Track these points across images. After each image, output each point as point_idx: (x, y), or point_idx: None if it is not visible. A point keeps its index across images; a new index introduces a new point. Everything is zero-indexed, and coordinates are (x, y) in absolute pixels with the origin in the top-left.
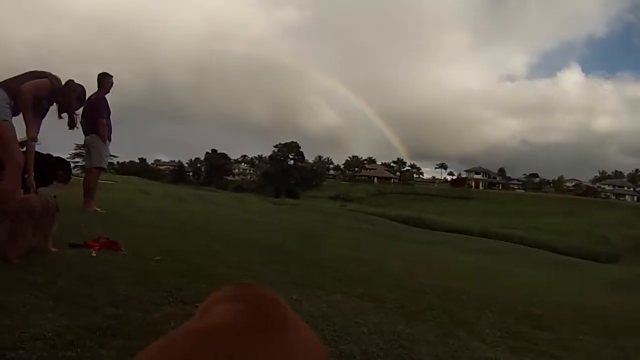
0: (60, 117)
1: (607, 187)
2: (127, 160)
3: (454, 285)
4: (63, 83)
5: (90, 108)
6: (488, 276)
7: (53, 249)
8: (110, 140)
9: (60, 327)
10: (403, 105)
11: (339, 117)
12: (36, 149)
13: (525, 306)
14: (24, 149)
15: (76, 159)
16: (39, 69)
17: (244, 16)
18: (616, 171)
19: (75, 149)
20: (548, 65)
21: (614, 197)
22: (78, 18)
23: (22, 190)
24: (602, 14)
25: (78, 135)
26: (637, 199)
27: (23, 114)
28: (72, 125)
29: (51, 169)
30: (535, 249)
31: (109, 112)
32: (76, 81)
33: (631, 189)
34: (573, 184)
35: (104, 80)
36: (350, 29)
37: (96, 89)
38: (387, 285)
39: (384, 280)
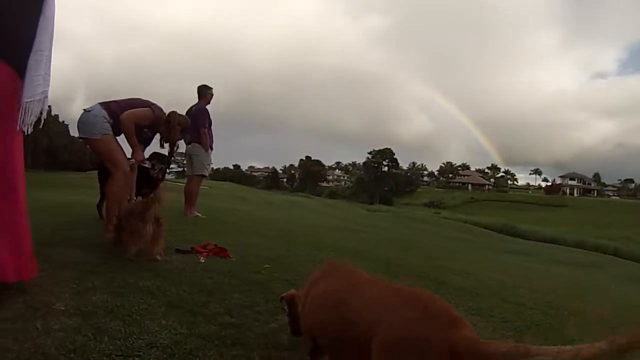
0: (162, 146)
1: None
2: (222, 166)
3: (554, 300)
4: (167, 114)
5: (191, 118)
6: (584, 290)
7: (158, 257)
8: (212, 149)
9: (177, 334)
10: (495, 110)
11: (432, 123)
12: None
13: (622, 324)
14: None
15: (172, 166)
16: (139, 96)
17: (331, 27)
18: None
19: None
20: (638, 59)
21: None
22: (168, 34)
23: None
24: None
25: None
26: None
27: (127, 139)
28: (171, 154)
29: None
30: (630, 261)
31: (210, 122)
32: (173, 100)
33: None
34: None
35: (205, 92)
36: (438, 34)
37: (195, 100)
38: (491, 298)
39: (487, 293)
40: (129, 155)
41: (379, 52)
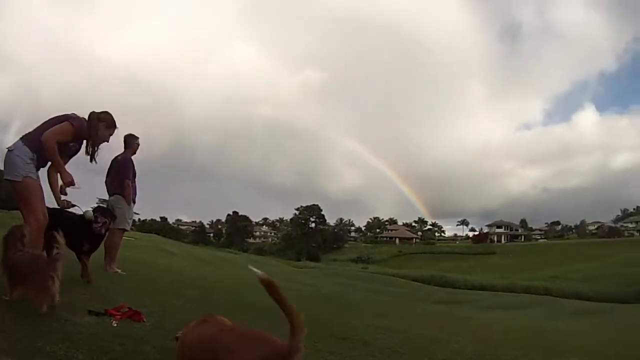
0: (87, 152)
1: (630, 225)
2: (149, 218)
3: (486, 351)
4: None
5: (116, 168)
6: (518, 335)
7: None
8: (134, 202)
9: None
10: (423, 163)
11: (360, 178)
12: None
13: None
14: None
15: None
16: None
17: (267, 79)
18: (638, 207)
19: (98, 202)
20: (563, 108)
21: (637, 234)
22: (110, 70)
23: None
24: (610, 48)
25: (101, 189)
26: None
27: (51, 162)
28: (92, 156)
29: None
30: (562, 299)
31: (134, 174)
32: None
33: None
34: (595, 227)
35: (131, 142)
36: (370, 89)
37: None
38: (418, 357)
39: (414, 352)
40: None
41: (312, 106)
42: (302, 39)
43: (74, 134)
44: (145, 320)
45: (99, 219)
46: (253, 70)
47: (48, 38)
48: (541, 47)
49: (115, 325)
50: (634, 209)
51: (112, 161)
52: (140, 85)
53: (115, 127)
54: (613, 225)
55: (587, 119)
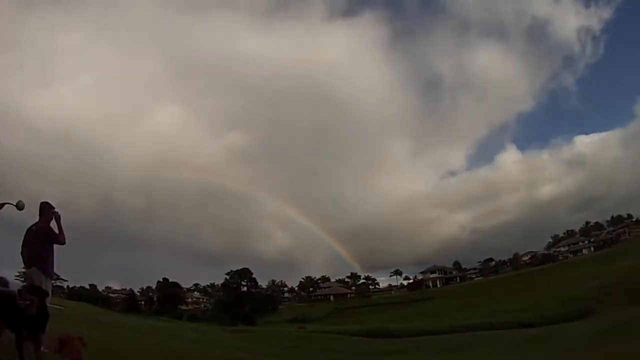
0: None
1: (562, 249)
2: (78, 285)
3: None
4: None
5: (31, 238)
6: None
7: None
8: (52, 278)
9: None
10: (353, 219)
11: (290, 238)
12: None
13: None
14: None
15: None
16: None
17: (192, 143)
18: (568, 230)
19: (16, 276)
20: (486, 152)
21: (571, 256)
22: (34, 133)
23: None
24: (526, 89)
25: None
26: (594, 248)
27: None
28: None
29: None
30: (507, 330)
31: (52, 242)
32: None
33: (585, 242)
34: (529, 256)
35: (48, 211)
36: (297, 151)
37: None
38: None
39: None
40: None
41: (239, 169)
42: (226, 103)
43: None
44: None
45: (21, 295)
46: (178, 134)
47: None
48: (461, 95)
49: None
50: (564, 233)
51: (27, 230)
52: (66, 145)
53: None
54: (546, 252)
55: (510, 158)
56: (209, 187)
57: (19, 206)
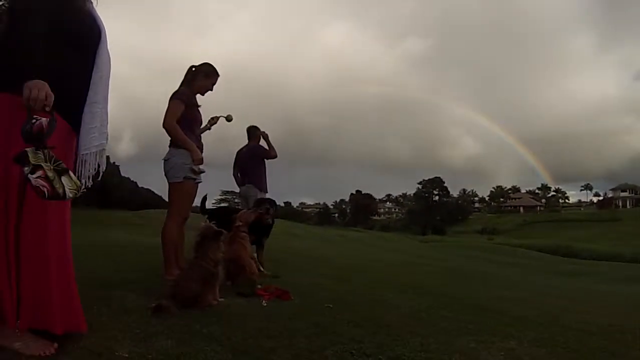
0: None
1: None
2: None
3: (616, 322)
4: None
5: (244, 157)
6: None
7: (221, 299)
8: (266, 192)
9: None
10: (540, 126)
11: (479, 146)
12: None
13: None
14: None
15: (222, 204)
16: None
17: (370, 55)
18: None
19: (221, 195)
20: None
21: None
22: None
23: None
24: None
25: (226, 181)
26: None
27: (181, 144)
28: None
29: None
30: None
31: (264, 157)
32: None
33: None
34: None
35: (255, 133)
36: (476, 53)
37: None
38: (553, 327)
39: (549, 322)
40: None
41: (419, 77)
42: (395, 10)
43: (186, 102)
44: (293, 298)
45: (269, 211)
46: (353, 50)
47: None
48: None
49: (265, 304)
50: None
51: (238, 153)
52: (243, 80)
53: (216, 74)
54: None
55: None
56: (391, 98)
57: (228, 119)
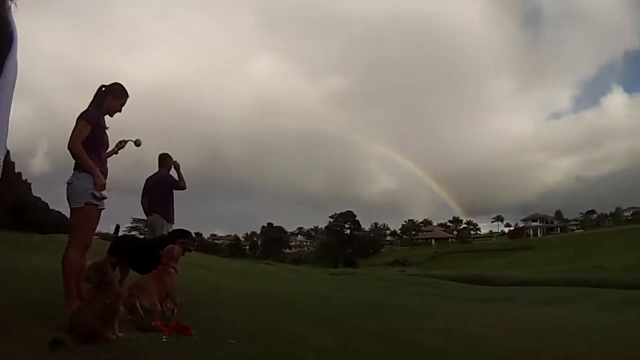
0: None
1: None
2: None
3: (533, 345)
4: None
5: (152, 186)
6: (564, 329)
7: (120, 334)
8: (173, 223)
9: None
10: (455, 162)
11: (393, 181)
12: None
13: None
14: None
15: (132, 233)
16: None
17: (292, 90)
18: None
19: (132, 223)
20: (591, 93)
21: None
22: (137, 90)
23: None
24: (634, 26)
25: (134, 209)
26: None
27: (84, 166)
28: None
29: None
30: (603, 289)
31: (173, 188)
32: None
33: None
34: (631, 212)
35: (167, 162)
36: (397, 93)
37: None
38: (472, 355)
39: (468, 350)
40: None
41: (339, 113)
42: (323, 47)
43: (93, 124)
44: (194, 333)
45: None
46: (277, 83)
47: (66, 63)
48: (564, 31)
49: (165, 340)
50: None
51: (147, 180)
52: (167, 103)
53: (125, 95)
54: None
55: (617, 101)
56: (310, 132)
57: (137, 143)
